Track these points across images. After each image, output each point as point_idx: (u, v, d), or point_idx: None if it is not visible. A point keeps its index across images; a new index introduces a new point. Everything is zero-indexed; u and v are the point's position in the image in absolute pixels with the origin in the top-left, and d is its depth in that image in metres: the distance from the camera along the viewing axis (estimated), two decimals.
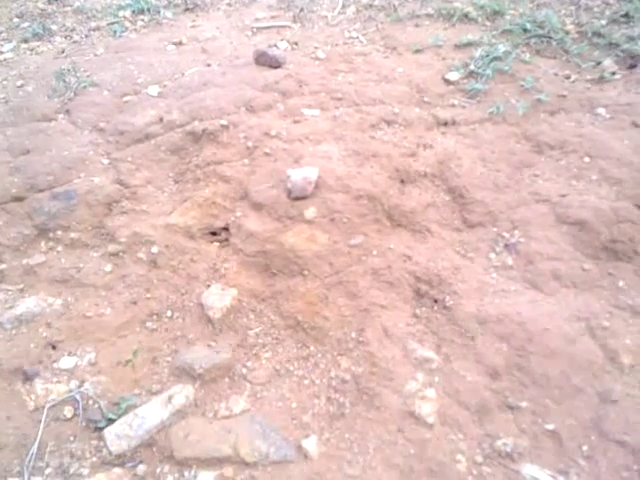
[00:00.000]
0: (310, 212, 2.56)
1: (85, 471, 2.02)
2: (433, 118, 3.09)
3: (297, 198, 2.59)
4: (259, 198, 2.66)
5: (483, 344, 2.20)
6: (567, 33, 3.64)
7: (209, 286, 2.52)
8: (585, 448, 1.92)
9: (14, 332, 2.49)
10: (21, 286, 2.67)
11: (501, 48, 3.44)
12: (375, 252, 2.50)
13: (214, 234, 2.71)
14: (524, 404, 2.04)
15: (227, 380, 2.26)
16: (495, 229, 2.59)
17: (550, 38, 3.57)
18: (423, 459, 1.95)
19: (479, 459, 1.94)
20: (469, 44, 3.58)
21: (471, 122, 3.06)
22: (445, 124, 3.07)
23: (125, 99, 3.52)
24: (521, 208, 2.62)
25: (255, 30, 4.20)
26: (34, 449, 2.09)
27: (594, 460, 1.89)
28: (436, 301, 2.37)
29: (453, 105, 3.19)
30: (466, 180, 2.71)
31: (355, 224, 2.55)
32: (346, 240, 2.52)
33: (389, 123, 3.04)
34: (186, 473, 2.00)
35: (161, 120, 3.19)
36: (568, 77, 3.29)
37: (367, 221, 2.57)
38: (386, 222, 2.60)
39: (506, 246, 2.50)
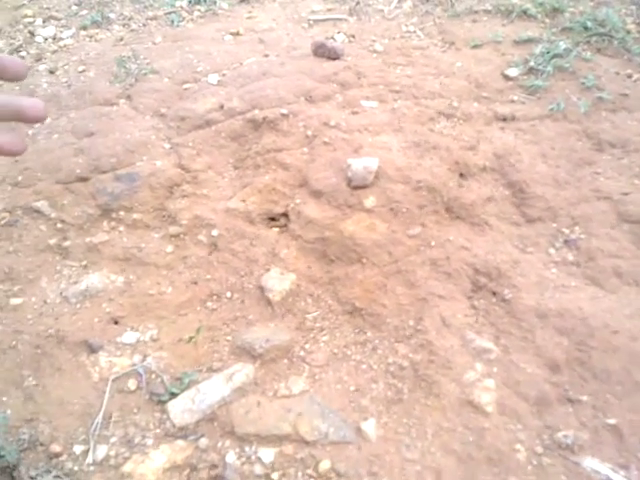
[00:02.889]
0: (370, 201, 2.58)
1: (149, 442, 2.08)
2: (492, 113, 3.09)
3: (357, 187, 2.62)
4: (318, 186, 2.70)
5: (543, 338, 2.20)
6: (628, 32, 3.59)
7: (268, 270, 2.57)
8: None
9: (78, 306, 2.57)
10: (84, 263, 2.76)
11: (562, 45, 3.41)
12: (434, 243, 2.52)
13: (273, 220, 2.76)
14: (585, 398, 2.04)
15: (286, 361, 2.31)
16: (555, 225, 2.58)
17: (611, 37, 3.53)
18: (482, 447, 1.97)
19: (539, 450, 1.95)
20: (528, 41, 3.56)
21: (531, 118, 3.05)
22: (504, 119, 3.06)
23: (185, 87, 3.59)
24: (582, 205, 2.61)
25: (311, 22, 4.24)
26: (99, 418, 2.16)
27: None
28: (495, 294, 2.37)
29: (512, 101, 3.18)
30: (526, 175, 2.71)
31: (414, 214, 2.57)
32: (405, 230, 2.54)
33: (448, 117, 3.05)
34: (247, 448, 2.05)
35: (221, 107, 3.24)
36: (630, 76, 3.25)
37: (426, 212, 2.59)
38: (445, 214, 2.61)
39: (566, 242, 2.50)
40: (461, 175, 2.72)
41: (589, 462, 1.88)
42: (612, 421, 1.97)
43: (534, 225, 2.60)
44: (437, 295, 2.38)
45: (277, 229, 2.72)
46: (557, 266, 2.43)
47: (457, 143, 2.85)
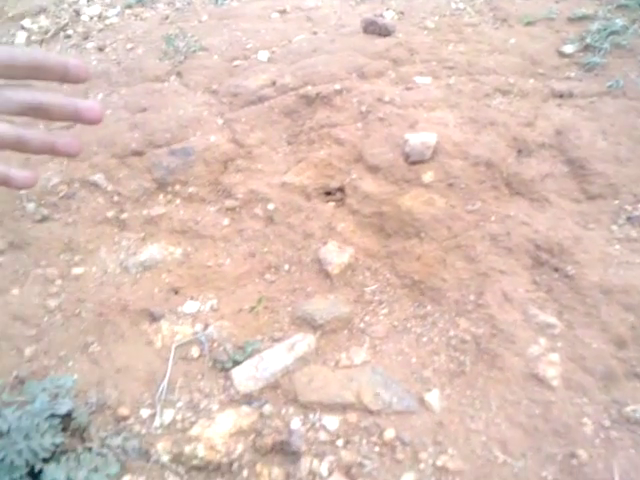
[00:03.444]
0: (428, 176, 2.58)
1: (214, 407, 2.12)
2: (549, 90, 3.05)
3: (414, 162, 2.61)
4: (375, 161, 2.70)
5: (608, 313, 2.18)
6: None
7: (325, 243, 2.58)
8: None
9: (139, 276, 2.62)
10: (142, 235, 2.80)
11: (618, 23, 3.35)
12: (493, 218, 2.51)
13: (329, 194, 2.76)
14: None
15: (346, 332, 2.33)
16: (617, 202, 2.55)
17: None
18: (548, 420, 1.97)
19: (606, 423, 1.94)
20: (583, 18, 3.50)
21: (589, 95, 3.00)
22: (561, 96, 3.02)
23: (235, 63, 3.60)
24: None
25: (358, 0, 4.21)
26: (164, 384, 2.20)
27: None
28: (557, 270, 2.36)
29: (569, 78, 3.13)
30: (586, 152, 2.67)
31: (473, 190, 2.56)
32: (464, 205, 2.53)
33: (504, 93, 3.02)
34: (311, 416, 2.07)
35: (273, 84, 3.25)
36: None
37: (485, 188, 2.57)
38: (504, 190, 2.59)
39: (629, 219, 2.46)
40: (519, 151, 2.70)
41: None
42: None
43: (595, 202, 2.57)
44: (498, 270, 2.37)
45: (333, 203, 2.73)
46: (620, 243, 2.41)
47: (514, 119, 2.82)
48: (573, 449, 1.89)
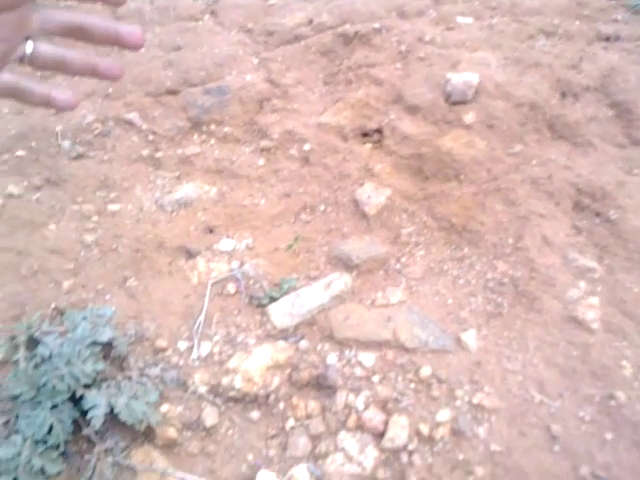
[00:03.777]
0: (469, 117, 2.52)
1: (251, 341, 2.14)
2: (594, 32, 2.94)
3: (456, 103, 2.55)
4: (415, 101, 2.64)
5: None
6: None
7: (362, 185, 2.55)
8: None
9: (174, 214, 2.62)
10: (177, 174, 2.79)
11: None
12: (535, 161, 2.46)
13: (366, 135, 2.72)
14: None
15: (382, 273, 2.32)
16: None
17: None
18: (586, 362, 1.96)
19: None
20: None
21: (636, 38, 2.90)
22: (607, 39, 2.92)
23: (270, 2, 3.53)
24: None
25: None
26: (201, 318, 2.23)
27: None
28: (598, 214, 2.31)
29: (616, 20, 3.02)
30: (632, 96, 2.59)
31: (515, 132, 2.50)
32: (505, 148, 2.48)
33: (548, 35, 2.92)
34: (347, 352, 2.08)
35: (310, 22, 3.18)
36: None
37: (527, 130, 2.51)
38: (547, 132, 2.53)
39: None
40: (563, 94, 2.62)
41: None
42: None
43: None
44: (538, 214, 2.33)
45: (370, 145, 2.69)
46: None
47: (559, 61, 2.73)
48: (611, 391, 1.88)
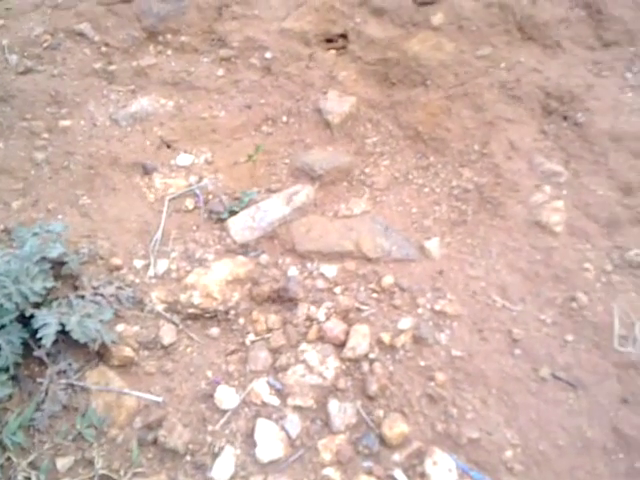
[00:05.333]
0: (437, 18, 2.40)
1: (210, 257, 2.08)
2: None
3: (424, 3, 2.43)
4: (381, 3, 2.50)
5: (616, 160, 2.10)
6: None
7: (325, 93, 2.45)
8: None
9: (129, 129, 2.51)
10: (132, 87, 2.66)
11: None
12: (503, 64, 2.36)
13: (331, 41, 2.59)
14: None
15: (346, 184, 2.26)
16: (632, 49, 2.39)
17: None
18: (549, 265, 1.94)
19: (608, 268, 1.91)
20: None
21: None
22: None
23: None
24: None
25: None
26: (158, 235, 2.16)
27: None
28: (566, 118, 2.24)
29: None
30: None
31: (484, 33, 2.39)
32: (473, 50, 2.38)
33: None
34: (308, 265, 2.04)
35: None
36: None
37: (497, 31, 2.40)
38: (516, 34, 2.42)
39: None
40: None
41: None
42: None
43: (610, 49, 2.41)
44: (505, 119, 2.26)
45: (335, 51, 2.56)
46: (633, 90, 2.28)
47: None
48: (573, 293, 1.87)
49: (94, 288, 2.00)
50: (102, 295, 1.97)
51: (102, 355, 1.87)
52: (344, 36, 2.56)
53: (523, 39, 2.42)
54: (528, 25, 2.42)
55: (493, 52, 2.37)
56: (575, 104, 2.25)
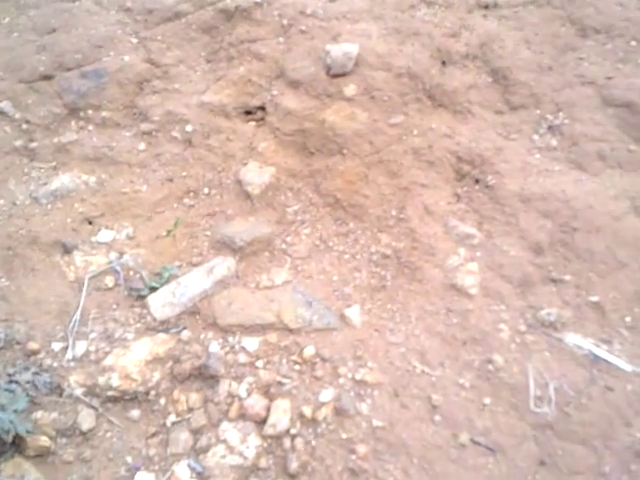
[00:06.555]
0: (350, 89, 2.48)
1: (130, 336, 2.05)
2: (474, 0, 2.94)
3: (336, 75, 2.51)
4: (296, 76, 2.58)
5: (526, 221, 2.18)
6: None
7: (246, 164, 2.48)
8: (628, 319, 1.94)
9: (50, 207, 2.48)
10: (54, 164, 2.64)
11: None
12: (416, 132, 2.45)
13: (250, 113, 2.64)
14: (568, 277, 2.04)
15: (267, 254, 2.27)
16: (539, 111, 2.51)
17: None
18: (466, 328, 1.98)
19: (522, 328, 1.96)
20: None
21: (514, 5, 2.91)
22: (486, 7, 2.92)
23: None
24: (566, 90, 2.53)
25: None
26: (77, 316, 2.12)
27: (637, 330, 1.91)
28: (478, 181, 2.33)
29: None
30: (509, 62, 2.61)
31: (396, 103, 2.48)
32: (386, 119, 2.46)
33: (429, 4, 2.90)
34: (230, 339, 2.03)
35: None
36: None
37: (408, 100, 2.50)
38: (427, 102, 2.52)
39: (550, 128, 2.43)
40: (443, 63, 2.62)
41: (572, 338, 1.90)
42: (595, 298, 1.98)
43: (517, 112, 2.53)
44: (420, 184, 2.33)
45: (254, 123, 2.61)
46: (541, 152, 2.39)
47: (439, 30, 2.72)
48: (490, 355, 1.91)
49: (9, 375, 1.94)
50: (17, 382, 1.91)
51: (18, 445, 1.79)
52: (262, 108, 2.62)
53: (434, 106, 2.52)
54: (438, 93, 2.53)
55: (405, 120, 2.46)
56: (486, 167, 2.34)
